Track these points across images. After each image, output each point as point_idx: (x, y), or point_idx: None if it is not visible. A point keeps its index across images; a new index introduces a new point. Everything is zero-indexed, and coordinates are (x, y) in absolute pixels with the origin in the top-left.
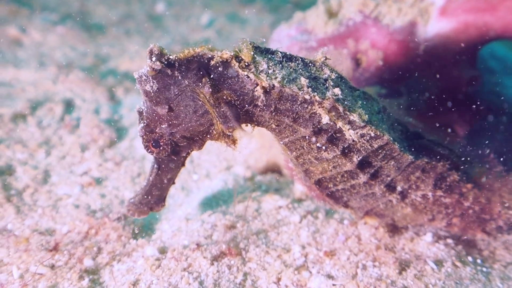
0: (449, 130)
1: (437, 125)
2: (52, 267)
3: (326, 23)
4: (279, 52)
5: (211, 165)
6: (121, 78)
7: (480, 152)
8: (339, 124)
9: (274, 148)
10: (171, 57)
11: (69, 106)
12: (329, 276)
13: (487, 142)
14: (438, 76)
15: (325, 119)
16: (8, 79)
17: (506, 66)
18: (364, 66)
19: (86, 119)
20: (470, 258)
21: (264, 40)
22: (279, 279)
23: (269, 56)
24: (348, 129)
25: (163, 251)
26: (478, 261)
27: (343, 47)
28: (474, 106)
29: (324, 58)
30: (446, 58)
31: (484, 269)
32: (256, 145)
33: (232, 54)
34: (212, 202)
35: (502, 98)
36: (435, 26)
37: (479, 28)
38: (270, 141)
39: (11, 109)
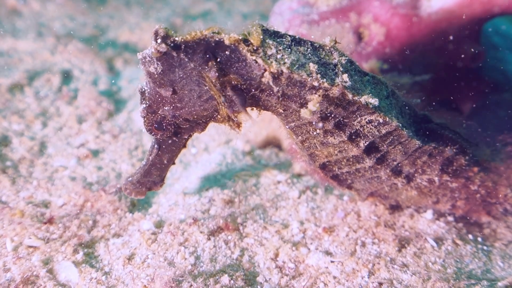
0: (452, 106)
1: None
2: (47, 240)
3: None
4: (288, 36)
5: (210, 139)
6: (120, 50)
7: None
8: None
9: (274, 122)
10: (177, 38)
11: (67, 77)
12: (328, 253)
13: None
14: (441, 51)
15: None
16: (6, 49)
17: (510, 42)
18: (367, 40)
19: (84, 90)
20: (471, 236)
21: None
22: (276, 255)
23: (278, 39)
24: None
25: (159, 225)
26: (479, 239)
27: (345, 21)
28: (477, 82)
29: (334, 42)
30: (450, 33)
31: (485, 248)
32: (256, 119)
33: (240, 37)
34: (210, 176)
35: (506, 74)
36: (439, 0)
37: (483, 3)
38: (270, 115)
39: (8, 79)
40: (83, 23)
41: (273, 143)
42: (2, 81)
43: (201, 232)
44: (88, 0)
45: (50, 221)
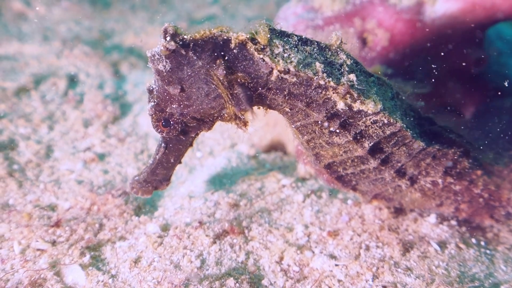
0: (455, 111)
1: (442, 105)
2: (54, 243)
3: (333, 1)
4: (294, 36)
5: (215, 143)
6: (125, 54)
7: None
8: (357, 104)
9: (279, 126)
10: (185, 37)
11: (73, 81)
12: (332, 256)
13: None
14: (444, 56)
15: (340, 105)
16: (12, 53)
17: None
18: (371, 45)
19: (90, 94)
20: (473, 240)
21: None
22: (281, 259)
23: (285, 39)
24: (368, 107)
25: (165, 228)
26: (482, 243)
27: (349, 26)
28: (480, 87)
29: (340, 42)
30: (453, 39)
31: (488, 252)
32: (261, 123)
33: (248, 36)
34: (215, 180)
35: (509, 79)
36: (442, 6)
37: (486, 9)
38: (275, 119)
39: (15, 83)
40: (88, 27)
41: (277, 147)
42: (9, 85)
43: (206, 236)
44: (94, 4)
45: (57, 224)
